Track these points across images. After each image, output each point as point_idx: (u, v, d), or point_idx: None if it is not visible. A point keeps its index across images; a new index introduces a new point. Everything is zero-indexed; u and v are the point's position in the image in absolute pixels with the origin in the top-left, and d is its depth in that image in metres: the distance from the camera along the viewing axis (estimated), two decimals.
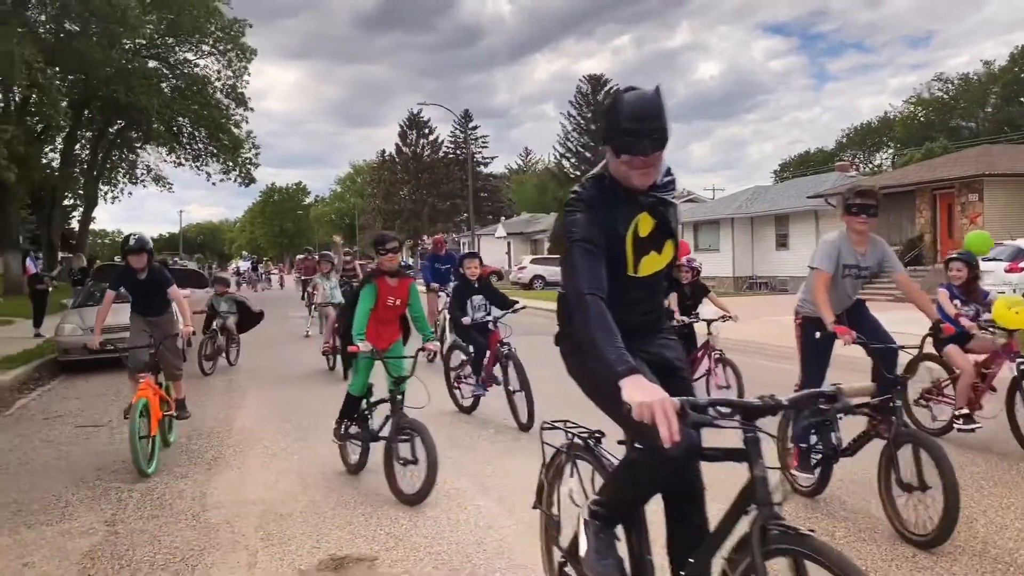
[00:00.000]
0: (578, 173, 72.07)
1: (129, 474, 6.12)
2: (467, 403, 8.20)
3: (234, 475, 6.12)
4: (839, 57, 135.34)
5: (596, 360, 2.42)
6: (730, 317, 8.36)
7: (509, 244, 58.65)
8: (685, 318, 8.26)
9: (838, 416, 4.53)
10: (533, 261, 41.21)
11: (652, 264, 2.83)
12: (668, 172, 2.86)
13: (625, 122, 2.53)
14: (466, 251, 8.99)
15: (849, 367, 6.95)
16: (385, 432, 5.52)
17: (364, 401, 5.92)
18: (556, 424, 3.22)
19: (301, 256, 31.13)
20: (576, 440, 3.11)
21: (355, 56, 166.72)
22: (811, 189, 31.62)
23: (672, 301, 8.03)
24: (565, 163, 74.34)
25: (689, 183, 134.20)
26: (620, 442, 2.74)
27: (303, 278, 25.55)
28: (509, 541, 4.49)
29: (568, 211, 2.72)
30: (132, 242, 6.99)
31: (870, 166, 70.82)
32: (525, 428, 7.20)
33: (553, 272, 39.48)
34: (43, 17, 28.56)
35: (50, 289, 17.83)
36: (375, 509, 5.14)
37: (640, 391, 2.22)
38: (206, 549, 4.54)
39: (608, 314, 2.46)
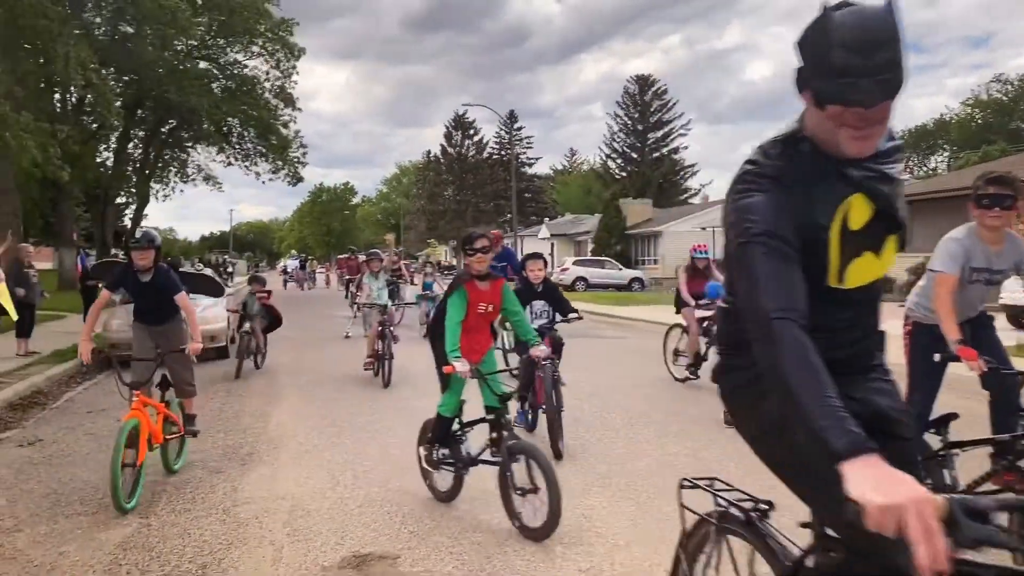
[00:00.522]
0: (624, 174, 71.89)
1: (162, 467, 6.26)
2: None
3: (266, 471, 6.20)
4: None
5: (797, 422, 1.64)
6: None
7: (553, 245, 58.61)
8: None
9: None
10: (576, 262, 40.98)
11: (866, 270, 2.00)
12: (892, 136, 2.00)
13: (838, 53, 1.69)
14: (529, 251, 7.92)
15: (959, 389, 6.29)
16: (486, 456, 4.94)
17: (456, 421, 5.23)
18: (700, 483, 2.45)
19: (344, 256, 31.08)
20: (731, 510, 2.32)
21: (403, 57, 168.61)
22: None
23: None
24: (611, 164, 74.11)
25: None
26: (803, 525, 2.07)
27: (347, 277, 25.84)
28: (531, 545, 4.48)
29: (741, 191, 1.90)
30: (138, 236, 6.02)
31: (924, 169, 69.29)
32: (559, 456, 6.27)
33: (596, 274, 39.35)
34: (98, 19, 29.35)
35: (100, 286, 18.25)
36: (400, 507, 5.17)
37: (879, 485, 1.45)
38: (233, 543, 4.61)
39: (812, 349, 1.68)
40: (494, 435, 4.81)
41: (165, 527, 4.92)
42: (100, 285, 16.82)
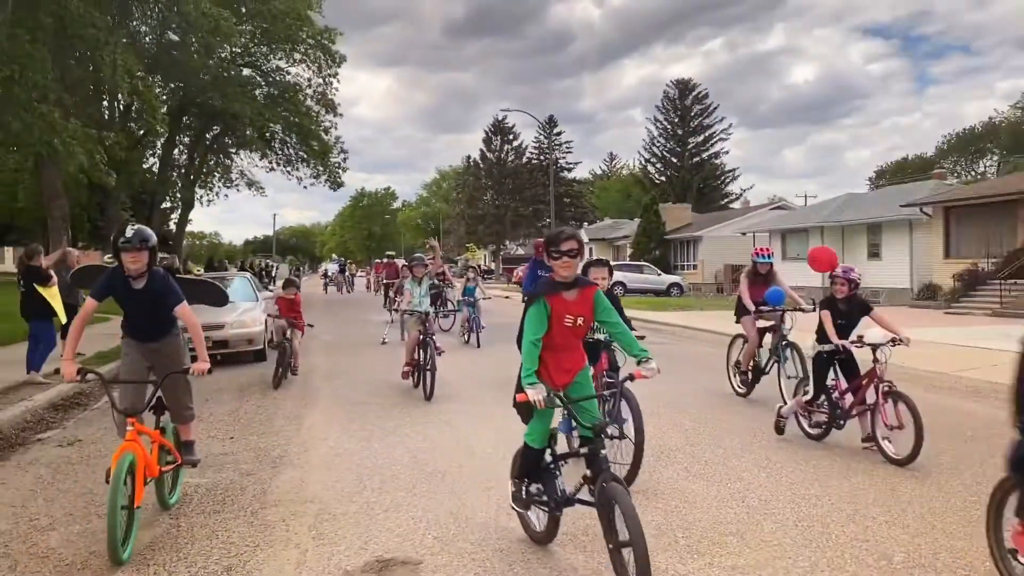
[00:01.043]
0: (663, 179, 71.53)
1: (197, 469, 6.35)
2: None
3: (296, 474, 6.26)
4: (943, 60, 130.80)
5: None
6: (901, 341, 6.70)
7: (591, 250, 58.33)
8: (844, 342, 6.71)
9: None
10: (614, 267, 40.74)
11: None
12: None
13: None
14: (592, 257, 6.48)
15: None
16: (583, 495, 4.25)
17: (548, 452, 4.52)
18: None
19: (382, 260, 30.63)
20: None
21: (445, 63, 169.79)
22: (906, 197, 30.50)
23: (827, 320, 6.77)
24: (651, 168, 73.76)
25: (781, 189, 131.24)
26: None
27: (384, 282, 25.63)
28: (555, 553, 4.45)
29: None
30: (129, 234, 4.97)
31: (972, 173, 67.76)
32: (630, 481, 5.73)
33: (634, 279, 39.09)
34: (144, 28, 30.03)
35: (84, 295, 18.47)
36: (426, 513, 5.18)
37: None
38: (259, 546, 4.65)
39: None
40: (589, 472, 4.10)
41: (194, 528, 4.99)
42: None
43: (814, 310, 8.16)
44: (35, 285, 10.60)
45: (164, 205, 41.57)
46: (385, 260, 29.35)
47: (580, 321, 4.36)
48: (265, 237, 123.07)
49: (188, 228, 49.81)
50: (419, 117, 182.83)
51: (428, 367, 9.71)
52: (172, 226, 45.82)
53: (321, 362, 13.18)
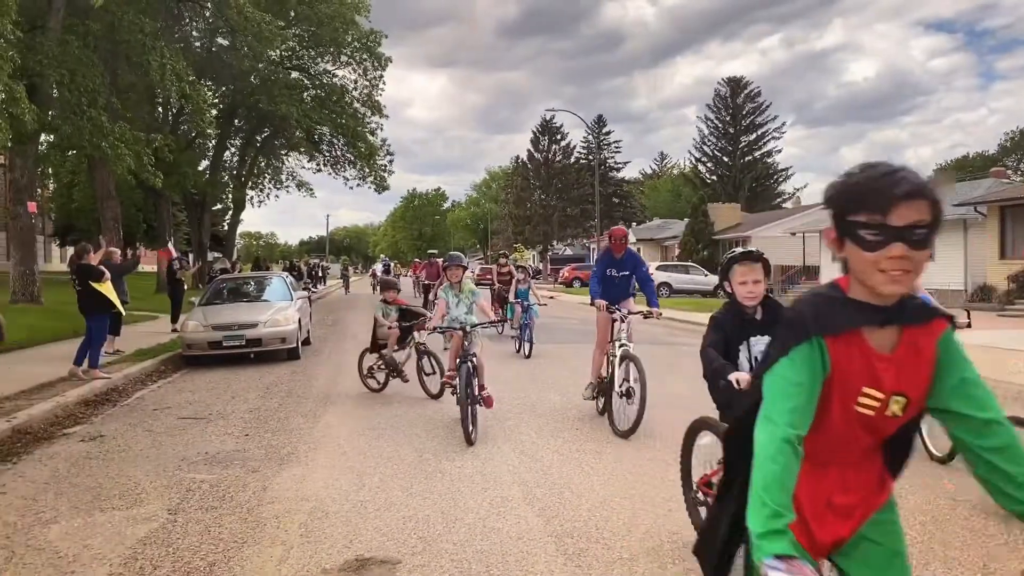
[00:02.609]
0: (714, 178, 70.68)
1: (205, 464, 6.48)
2: None
3: (299, 471, 6.32)
4: (1009, 55, 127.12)
5: None
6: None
7: (639, 250, 57.57)
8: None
9: None
10: (659, 267, 40.28)
11: None
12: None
13: None
14: (739, 249, 4.16)
15: None
16: None
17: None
18: None
19: (424, 261, 27.46)
20: None
21: (497, 63, 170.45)
22: (960, 196, 29.56)
23: None
24: (701, 168, 72.94)
25: None
26: None
27: (425, 283, 23.32)
28: (533, 554, 4.42)
29: None
30: None
31: None
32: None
33: (680, 280, 38.68)
34: (196, 33, 30.74)
35: (184, 277, 18.77)
36: (416, 512, 5.18)
37: None
38: (247, 542, 4.71)
39: None
40: None
41: (189, 524, 5.07)
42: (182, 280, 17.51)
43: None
44: (89, 282, 10.99)
45: (216, 207, 42.57)
46: (432, 260, 24.26)
47: (897, 408, 2.00)
48: (319, 237, 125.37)
49: (244, 229, 50.85)
50: (472, 117, 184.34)
51: (470, 400, 7.28)
52: (225, 227, 46.91)
53: (352, 362, 13.30)
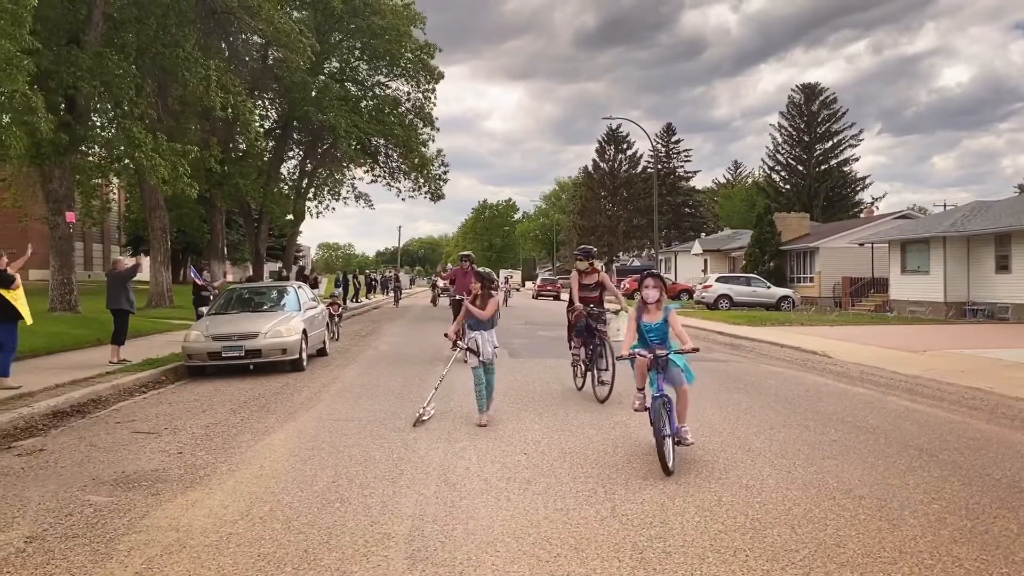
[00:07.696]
0: (788, 187, 68.47)
1: (110, 486, 6.16)
2: None
3: (197, 496, 5.91)
4: None
5: None
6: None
7: (706, 261, 56.53)
8: None
9: None
10: (719, 279, 38.85)
11: None
12: None
13: None
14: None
15: None
16: None
17: None
18: None
19: (456, 267, 20.39)
20: None
21: (575, 74, 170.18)
22: None
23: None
24: (775, 177, 70.80)
25: (930, 198, 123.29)
26: None
27: (455, 296, 16.52)
28: None
29: None
30: None
31: None
32: None
33: (740, 292, 37.29)
34: (244, 47, 31.25)
35: (220, 288, 18.79)
36: (276, 550, 4.69)
37: None
38: None
39: None
40: None
41: (36, 553, 4.71)
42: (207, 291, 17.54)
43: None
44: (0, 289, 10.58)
45: (285, 217, 43.12)
46: (465, 266, 16.08)
47: None
48: (395, 248, 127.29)
49: (323, 240, 51.61)
50: (548, 129, 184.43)
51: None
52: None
53: (349, 375, 12.96)
